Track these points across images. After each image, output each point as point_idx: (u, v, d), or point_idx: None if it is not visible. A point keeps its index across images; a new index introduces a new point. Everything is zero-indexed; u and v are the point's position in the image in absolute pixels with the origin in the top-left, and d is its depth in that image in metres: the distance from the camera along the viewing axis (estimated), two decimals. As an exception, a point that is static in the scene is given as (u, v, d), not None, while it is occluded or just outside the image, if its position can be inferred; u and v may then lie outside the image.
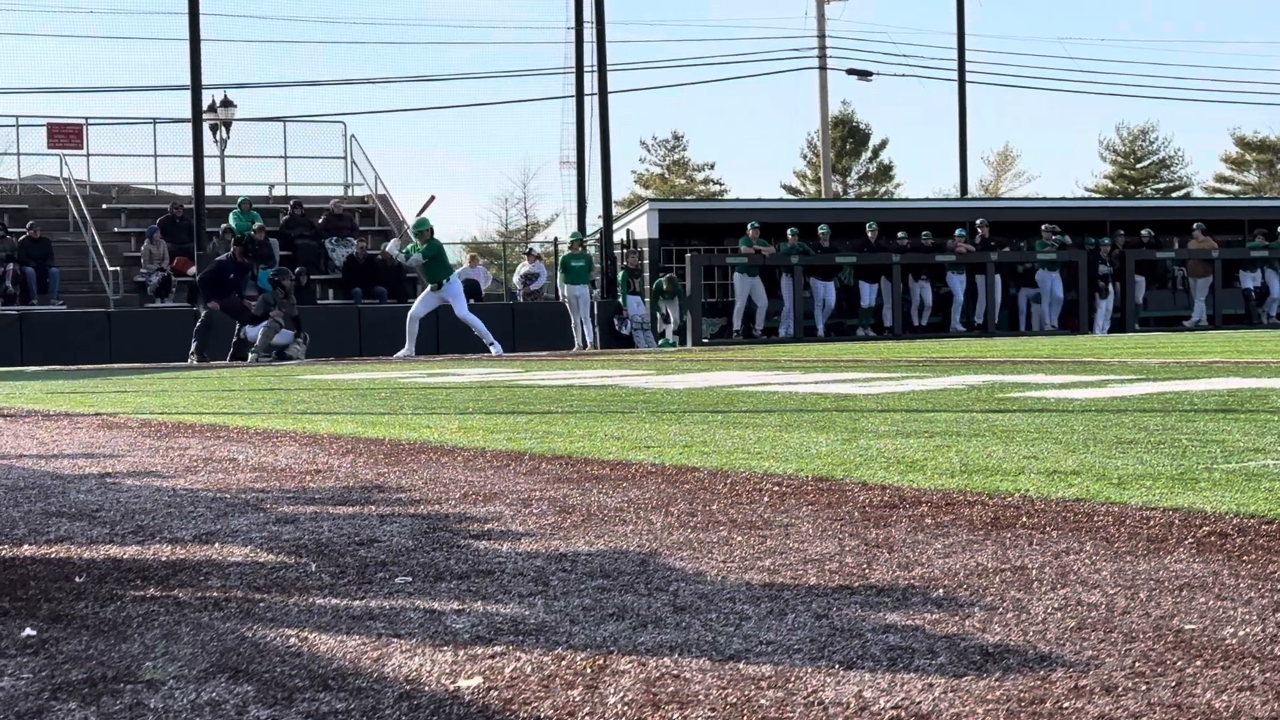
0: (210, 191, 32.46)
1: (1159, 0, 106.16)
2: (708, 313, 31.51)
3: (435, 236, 25.55)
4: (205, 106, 32.45)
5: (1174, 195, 76.45)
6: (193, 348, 25.75)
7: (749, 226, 31.47)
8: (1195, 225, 34.64)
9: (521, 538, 4.01)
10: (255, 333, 25.63)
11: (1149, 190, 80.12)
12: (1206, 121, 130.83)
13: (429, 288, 25.54)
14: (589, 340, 29.24)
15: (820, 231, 31.65)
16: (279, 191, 36.11)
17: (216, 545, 4.05)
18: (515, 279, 30.72)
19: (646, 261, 32.48)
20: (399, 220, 35.21)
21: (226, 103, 37.64)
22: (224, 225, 31.39)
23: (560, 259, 30.45)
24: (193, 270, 29.63)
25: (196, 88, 29.82)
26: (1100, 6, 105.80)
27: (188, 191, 31.62)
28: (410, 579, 3.44)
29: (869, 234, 32.26)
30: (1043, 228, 33.39)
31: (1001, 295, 32.74)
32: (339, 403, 11.17)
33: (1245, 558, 3.35)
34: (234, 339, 25.77)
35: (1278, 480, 4.54)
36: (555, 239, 33.96)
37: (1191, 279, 34.29)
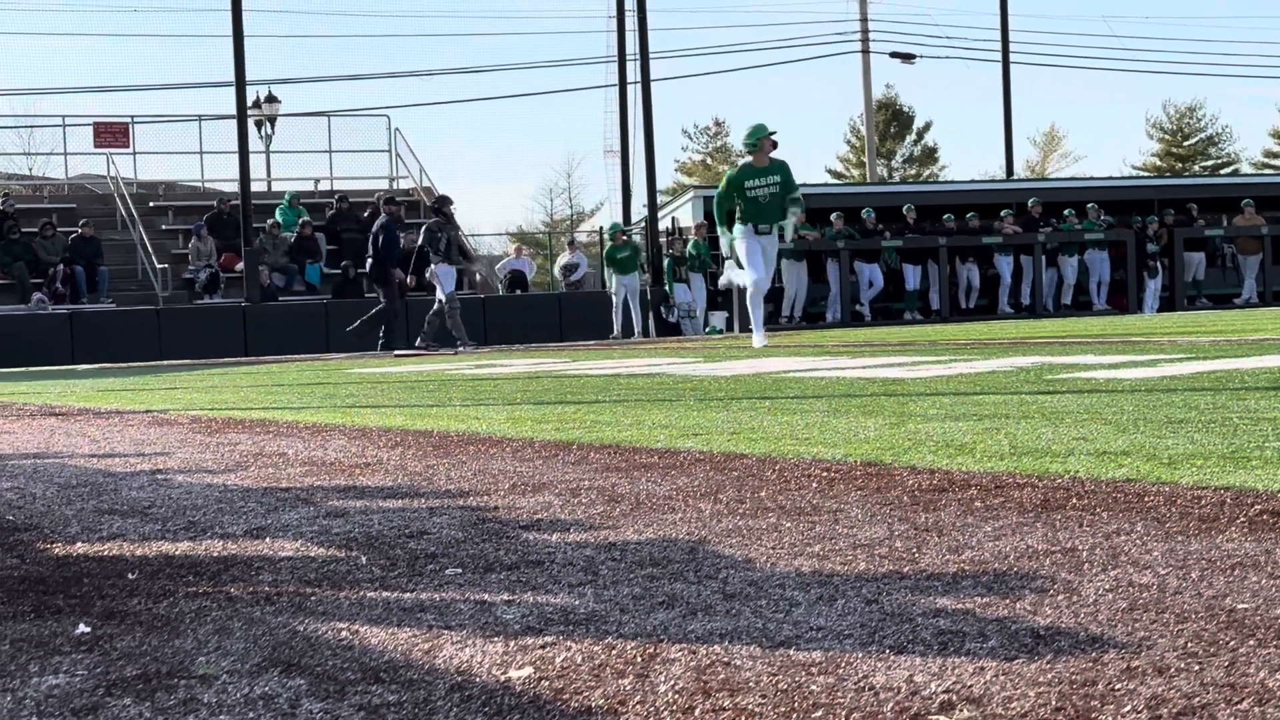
0: (256, 187, 32.61)
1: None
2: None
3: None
4: (250, 103, 32.59)
5: (1222, 172, 76.00)
6: (435, 338, 24.95)
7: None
8: (1244, 202, 34.41)
9: (570, 527, 4.02)
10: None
11: (1197, 168, 79.64)
12: (1254, 97, 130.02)
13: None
14: (638, 329, 29.28)
15: (864, 215, 31.56)
16: (324, 186, 36.25)
17: (267, 540, 4.07)
18: (556, 269, 30.59)
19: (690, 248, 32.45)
20: (445, 213, 35.27)
21: (271, 98, 37.82)
22: (270, 221, 31.52)
23: (605, 251, 30.46)
24: (240, 266, 29.73)
25: (241, 84, 29.94)
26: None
27: (233, 188, 31.79)
28: (460, 570, 3.45)
29: (906, 215, 32.15)
30: (1088, 207, 33.24)
31: (1057, 276, 32.57)
32: (387, 396, 11.20)
33: (1298, 536, 3.33)
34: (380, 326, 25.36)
35: (1330, 457, 4.50)
36: (601, 228, 33.78)
37: (1241, 256, 34.08)
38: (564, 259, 33.03)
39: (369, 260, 25.58)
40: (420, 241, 24.91)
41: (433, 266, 24.39)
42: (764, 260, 17.55)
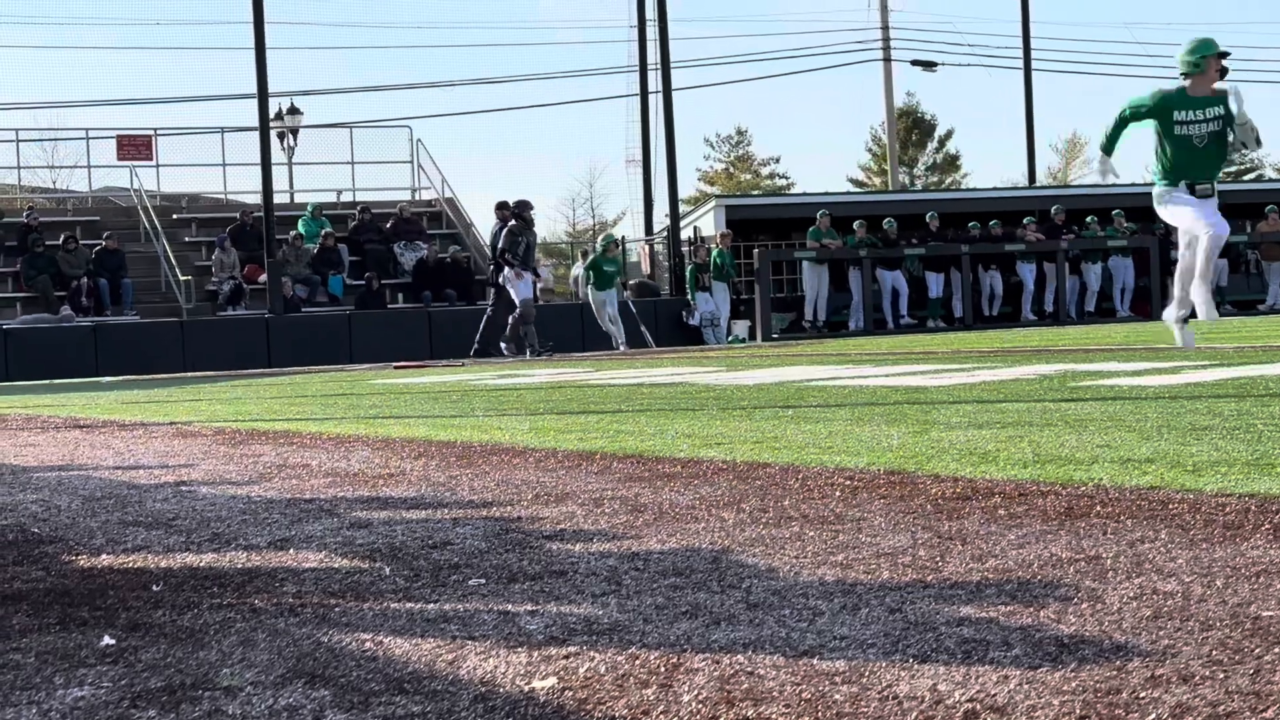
0: (279, 199, 32.70)
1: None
2: (776, 308, 31.46)
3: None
4: (272, 114, 32.67)
5: (1245, 178, 75.81)
6: (517, 345, 25.27)
7: (819, 215, 31.43)
8: (1268, 208, 34.31)
9: (594, 537, 4.02)
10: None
11: (1220, 175, 79.41)
12: (1277, 102, 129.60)
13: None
14: (621, 342, 28.27)
15: (885, 225, 31.55)
16: (347, 197, 36.32)
17: (291, 551, 4.08)
18: (570, 279, 30.25)
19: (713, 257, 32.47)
20: (467, 223, 35.35)
21: (293, 110, 37.92)
22: (293, 232, 31.59)
23: (592, 260, 29.21)
24: (263, 278, 29.81)
25: (263, 96, 30.02)
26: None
27: (256, 199, 31.88)
28: (484, 581, 3.45)
29: (929, 223, 32.13)
30: (1114, 214, 33.18)
31: (1080, 283, 32.50)
32: (410, 406, 11.22)
33: (1323, 543, 3.32)
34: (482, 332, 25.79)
35: (1355, 464, 4.49)
36: (619, 237, 33.54)
37: (1265, 262, 33.98)
38: (578, 269, 32.97)
39: (490, 266, 26.42)
40: (501, 245, 25.04)
41: (507, 271, 24.57)
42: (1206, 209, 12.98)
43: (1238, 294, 34.04)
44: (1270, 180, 68.00)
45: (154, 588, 3.61)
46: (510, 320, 24.68)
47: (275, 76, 31.53)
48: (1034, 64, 40.25)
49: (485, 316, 26.19)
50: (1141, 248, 32.52)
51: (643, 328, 29.45)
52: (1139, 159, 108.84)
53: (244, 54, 30.53)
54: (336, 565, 3.80)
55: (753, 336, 30.52)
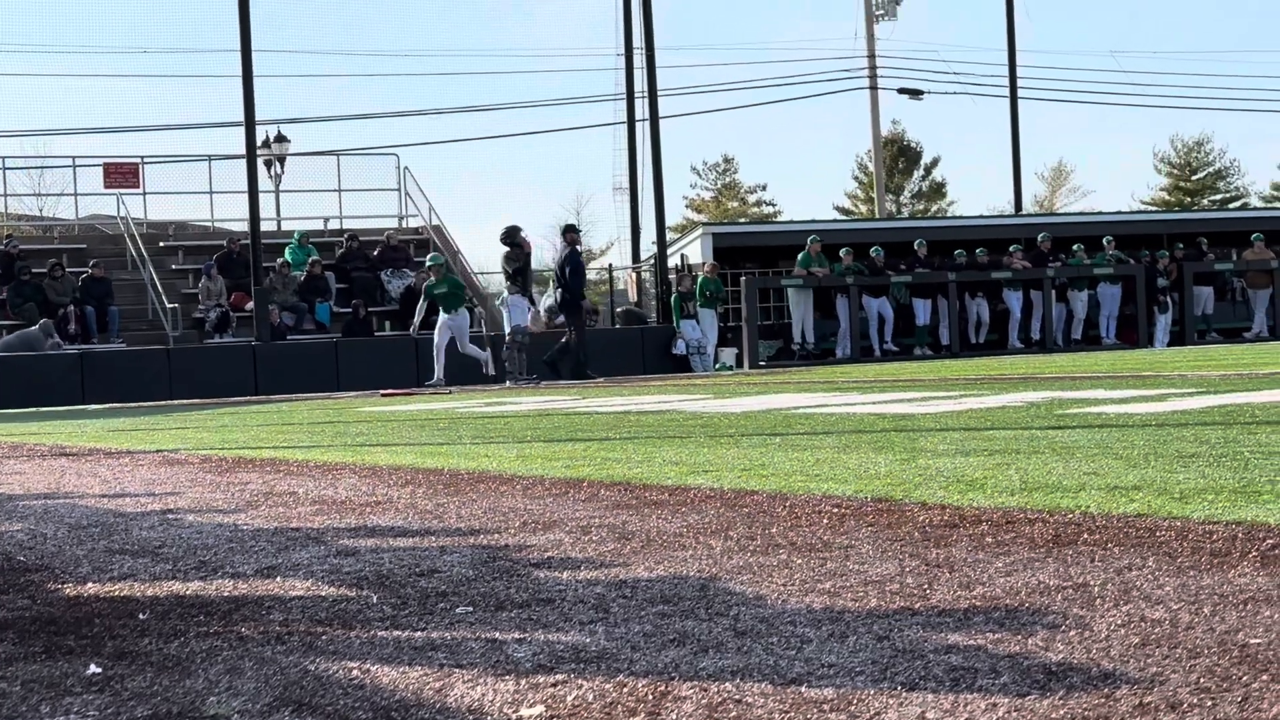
0: (266, 226, 32.71)
1: (1210, 11, 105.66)
2: (763, 335, 31.48)
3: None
4: (259, 142, 32.68)
5: (1231, 206, 76.01)
6: (567, 366, 25.82)
7: (810, 240, 31.46)
8: (1254, 236, 34.42)
9: (581, 565, 4.01)
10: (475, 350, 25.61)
11: (1205, 202, 79.63)
12: (1262, 131, 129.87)
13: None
14: (440, 375, 25.99)
15: (873, 253, 31.60)
16: (334, 225, 36.33)
17: (278, 579, 4.07)
18: (541, 308, 29.54)
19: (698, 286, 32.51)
20: (454, 250, 35.36)
21: (280, 138, 37.94)
22: (280, 260, 31.58)
23: (426, 288, 26.98)
24: (250, 305, 29.77)
25: (250, 124, 30.02)
26: (1151, 19, 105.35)
27: (243, 227, 31.86)
28: (471, 609, 3.45)
29: (917, 250, 32.19)
30: (1104, 241, 33.27)
31: (1067, 311, 32.59)
32: (397, 434, 11.20)
33: (1310, 570, 3.32)
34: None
35: (1342, 491, 4.49)
36: (443, 259, 31.70)
37: (1251, 290, 34.05)
38: (548, 299, 32.74)
39: (558, 291, 26.54)
40: (570, 274, 25.81)
41: (509, 295, 24.76)
42: None
43: (1224, 322, 34.12)
44: (1255, 209, 68.26)
45: (140, 616, 3.59)
46: (505, 344, 24.81)
47: (262, 104, 31.53)
48: (1020, 92, 40.39)
49: (565, 338, 26.53)
50: (1128, 275, 32.59)
51: (487, 352, 27.00)
52: (1125, 187, 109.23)
53: (231, 82, 30.46)
54: (323, 593, 3.80)
55: (740, 364, 30.53)
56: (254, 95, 29.74)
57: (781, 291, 32.85)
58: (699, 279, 31.06)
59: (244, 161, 30.55)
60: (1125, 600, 3.10)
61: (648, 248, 34.84)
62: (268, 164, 36.83)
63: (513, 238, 24.83)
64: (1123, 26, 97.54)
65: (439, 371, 25.87)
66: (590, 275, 37.61)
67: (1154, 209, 73.88)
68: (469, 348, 26.14)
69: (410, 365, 28.63)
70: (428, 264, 27.20)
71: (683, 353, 30.54)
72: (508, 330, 24.88)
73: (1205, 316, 33.89)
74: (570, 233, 26.99)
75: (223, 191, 35.35)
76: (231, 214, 35.47)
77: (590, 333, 31.10)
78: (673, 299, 31.27)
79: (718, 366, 30.40)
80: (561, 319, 32.58)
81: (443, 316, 26.21)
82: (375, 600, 3.64)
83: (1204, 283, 33.88)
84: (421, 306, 26.91)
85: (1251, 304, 34.08)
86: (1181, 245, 34.37)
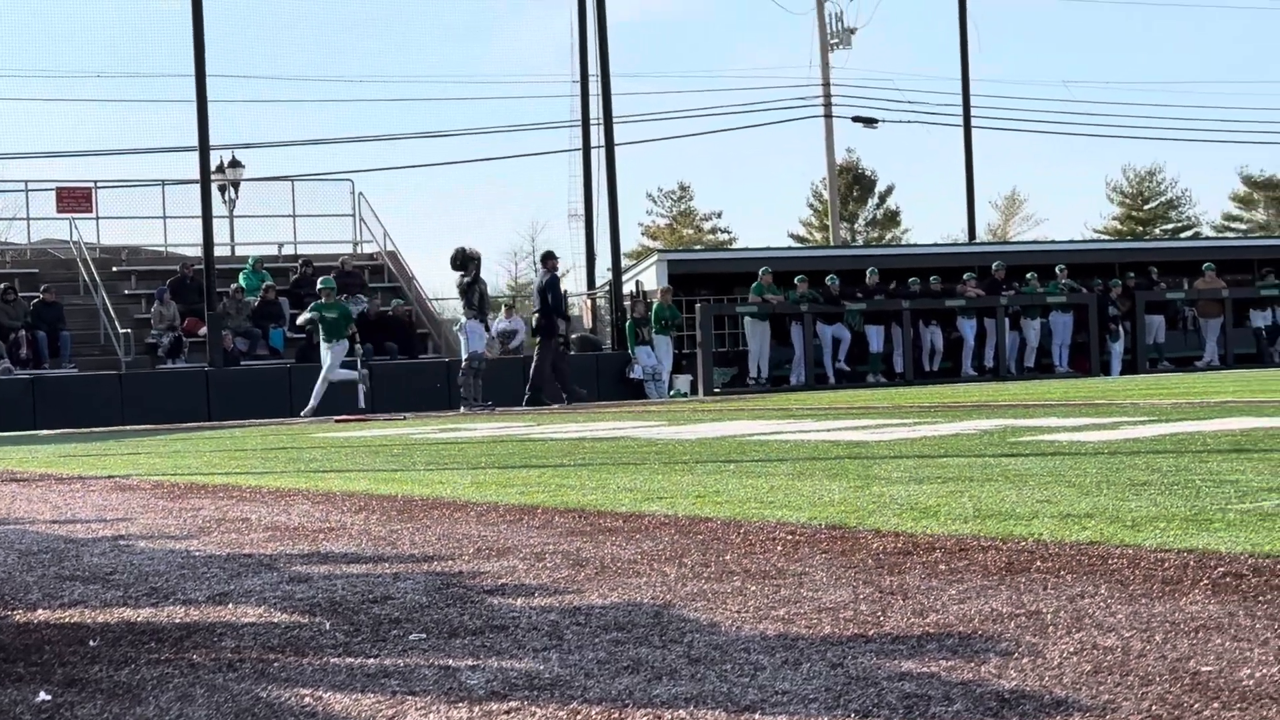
0: (219, 251, 32.59)
1: (1162, 41, 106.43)
2: (718, 362, 31.51)
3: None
4: (213, 167, 32.58)
5: (1183, 235, 76.51)
6: (549, 393, 25.94)
7: (761, 271, 31.54)
8: (1205, 265, 34.65)
9: (535, 592, 4.01)
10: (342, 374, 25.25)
11: (1157, 231, 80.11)
12: (1213, 161, 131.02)
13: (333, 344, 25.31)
14: (315, 404, 25.40)
15: (828, 281, 31.68)
16: (288, 250, 36.22)
17: (230, 606, 4.05)
18: (495, 333, 29.18)
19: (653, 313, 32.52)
20: (408, 276, 35.31)
21: (234, 163, 37.84)
22: (234, 285, 31.48)
23: (315, 304, 26.22)
24: (203, 331, 29.65)
25: (204, 149, 29.93)
26: (1103, 49, 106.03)
27: (197, 252, 31.73)
28: (424, 636, 3.44)
29: (869, 279, 32.29)
30: (1057, 269, 33.44)
31: (1020, 339, 32.74)
32: (351, 460, 11.17)
33: (1261, 598, 3.34)
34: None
35: (1292, 519, 4.52)
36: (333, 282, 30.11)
37: (1202, 319, 34.27)
38: (501, 324, 32.71)
39: (536, 315, 26.69)
40: (551, 300, 26.05)
41: (466, 321, 24.70)
42: None
43: (1175, 351, 34.31)
44: (1206, 238, 68.72)
45: (91, 643, 3.57)
46: (462, 369, 24.73)
47: (217, 129, 31.44)
48: (973, 121, 40.53)
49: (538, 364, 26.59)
50: (1081, 304, 32.75)
51: (364, 387, 25.91)
52: (1078, 216, 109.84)
53: (186, 106, 30.36)
54: (276, 620, 3.78)
55: (694, 391, 30.54)
56: (208, 120, 29.66)
57: (736, 318, 32.90)
58: (654, 305, 31.08)
59: (198, 186, 30.46)
60: (1077, 628, 3.11)
61: (603, 274, 34.85)
62: (222, 189, 36.72)
63: (463, 263, 24.75)
64: (1075, 56, 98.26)
65: (314, 402, 25.34)
66: (512, 301, 37.59)
67: (1106, 238, 74.32)
68: (338, 373, 25.54)
69: (568, 376, 28.53)
70: (320, 285, 26.70)
71: (638, 379, 30.54)
72: (464, 356, 24.83)
73: (1157, 345, 34.08)
74: (550, 259, 27.17)
75: (176, 216, 35.25)
76: (185, 239, 35.34)
77: (511, 361, 31.07)
78: (627, 325, 31.27)
79: (672, 393, 30.40)
80: (518, 343, 32.59)
81: (324, 344, 25.79)
82: (328, 627, 3.62)
83: (1156, 311, 34.08)
84: (307, 320, 26.58)
85: (1203, 333, 34.29)
86: (1133, 274, 34.58)
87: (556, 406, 25.12)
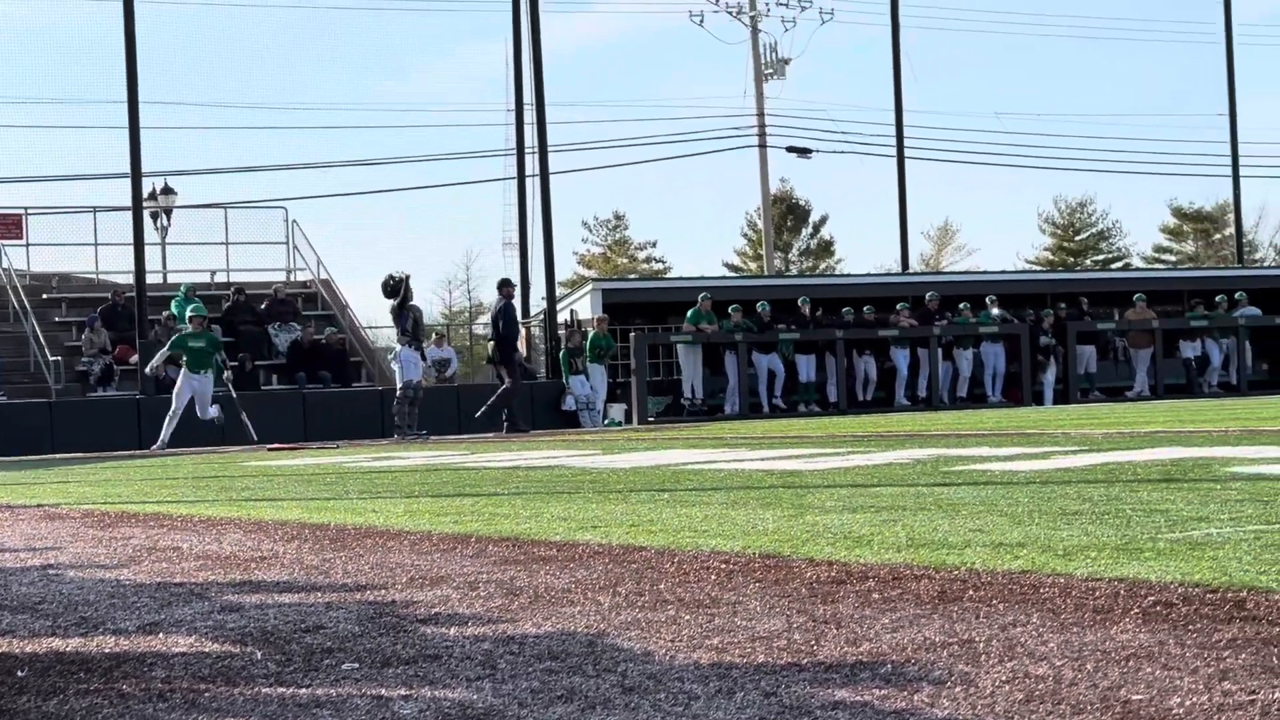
0: (152, 279, 32.40)
1: (1093, 74, 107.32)
2: (652, 391, 31.52)
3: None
4: (146, 194, 32.39)
5: (1114, 267, 77.12)
6: (503, 417, 26.00)
7: (700, 297, 31.59)
8: (1136, 296, 34.92)
9: (469, 621, 4.00)
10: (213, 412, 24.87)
11: (1088, 262, 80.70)
12: (1144, 193, 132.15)
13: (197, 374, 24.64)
14: (165, 438, 24.67)
15: (759, 309, 31.76)
16: (221, 278, 36.02)
17: (161, 635, 4.02)
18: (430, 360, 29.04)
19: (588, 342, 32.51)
20: (342, 304, 35.19)
21: (167, 190, 37.61)
22: (166, 313, 31.29)
23: (176, 339, 25.18)
24: (135, 358, 29.45)
25: (136, 176, 29.76)
26: (1036, 81, 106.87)
27: (129, 280, 31.53)
28: (357, 665, 3.42)
29: (801, 308, 32.38)
30: (988, 299, 33.65)
31: (953, 369, 32.91)
32: (284, 489, 11.11)
33: (1190, 627, 3.36)
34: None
35: (1221, 549, 4.56)
36: (205, 311, 28.82)
37: (1133, 350, 34.52)
38: (433, 352, 32.59)
39: (490, 343, 27.09)
40: (504, 326, 26.37)
41: (401, 349, 24.51)
42: None
43: (1106, 381, 34.53)
44: (1137, 269, 69.31)
45: (19, 673, 3.54)
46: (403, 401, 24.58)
47: (149, 156, 31.22)
48: (907, 151, 40.73)
49: (502, 390, 26.65)
50: (1012, 334, 32.95)
51: (244, 416, 25.55)
52: (1010, 246, 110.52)
53: (118, 133, 30.17)
54: (207, 650, 3.75)
55: (629, 419, 30.54)
56: (141, 146, 29.50)
57: (671, 347, 32.92)
58: (590, 335, 31.07)
59: (130, 213, 30.28)
60: (1009, 656, 3.13)
61: (537, 303, 34.83)
62: (154, 216, 36.49)
63: (394, 290, 24.66)
64: (1007, 88, 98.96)
65: (166, 435, 24.54)
66: (478, 330, 37.52)
67: (1038, 268, 74.78)
68: (209, 412, 24.64)
69: (297, 420, 28.42)
70: (190, 313, 25.66)
71: (572, 408, 30.52)
72: (399, 384, 24.74)
73: (1088, 375, 34.29)
74: (505, 286, 27.40)
75: (108, 244, 35.02)
76: (117, 266, 35.10)
77: (479, 388, 31.04)
78: (562, 354, 31.26)
79: (607, 422, 30.39)
80: (451, 372, 32.52)
81: (185, 375, 24.72)
82: (259, 657, 3.60)
83: (1087, 342, 34.31)
84: (163, 354, 25.28)
85: (1133, 363, 34.53)
86: (1065, 305, 34.81)
87: (493, 436, 25.06)
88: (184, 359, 24.77)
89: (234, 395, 25.78)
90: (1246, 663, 2.95)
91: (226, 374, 25.70)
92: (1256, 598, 3.66)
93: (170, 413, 24.63)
